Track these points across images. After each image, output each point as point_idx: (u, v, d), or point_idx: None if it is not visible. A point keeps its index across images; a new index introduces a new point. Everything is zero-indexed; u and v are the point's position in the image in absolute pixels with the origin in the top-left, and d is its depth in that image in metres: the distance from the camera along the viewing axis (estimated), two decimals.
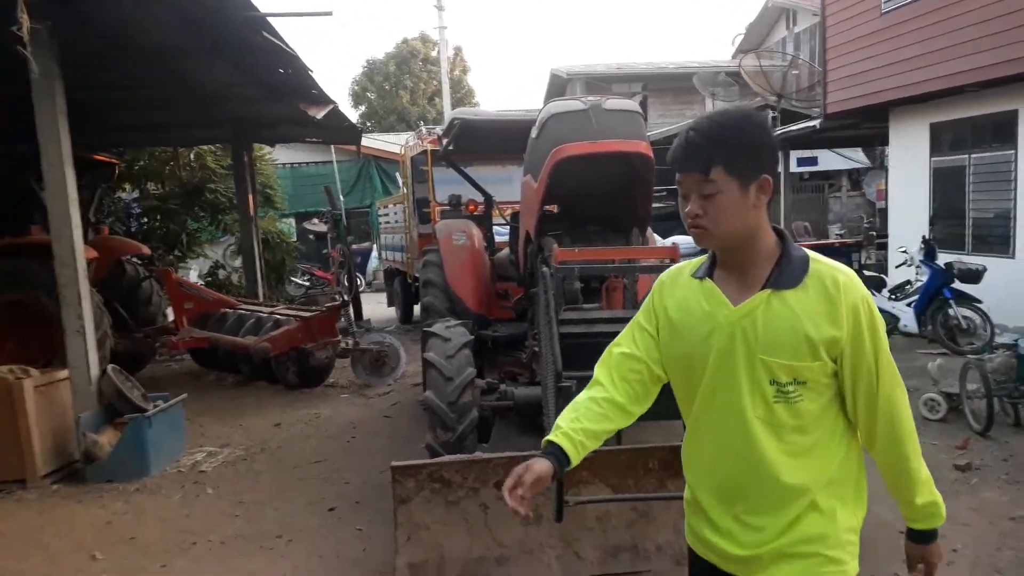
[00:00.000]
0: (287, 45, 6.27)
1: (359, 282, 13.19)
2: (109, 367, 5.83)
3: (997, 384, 5.79)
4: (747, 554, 1.71)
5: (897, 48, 10.80)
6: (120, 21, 5.97)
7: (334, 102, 8.02)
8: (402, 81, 36.00)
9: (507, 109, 8.34)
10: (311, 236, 18.01)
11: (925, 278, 8.81)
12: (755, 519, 1.71)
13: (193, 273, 14.43)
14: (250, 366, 8.58)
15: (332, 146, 16.97)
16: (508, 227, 6.30)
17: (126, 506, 5.10)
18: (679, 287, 1.82)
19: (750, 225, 1.67)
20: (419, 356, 7.67)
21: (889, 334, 4.37)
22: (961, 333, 8.48)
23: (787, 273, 1.67)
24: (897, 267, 9.88)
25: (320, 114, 7.88)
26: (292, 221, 18.17)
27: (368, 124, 31.61)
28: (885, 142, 12.67)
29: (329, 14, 6.24)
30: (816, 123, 13.26)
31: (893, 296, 9.27)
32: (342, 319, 8.38)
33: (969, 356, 6.58)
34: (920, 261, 8.96)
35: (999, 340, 6.46)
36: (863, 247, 12.40)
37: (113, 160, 9.41)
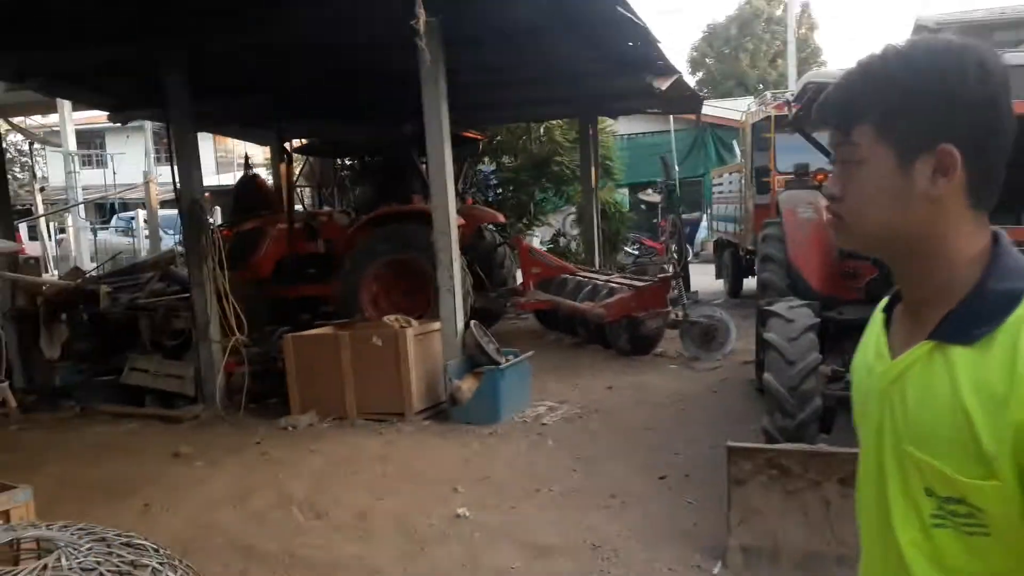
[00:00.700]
0: (638, 17, 6.41)
1: (688, 253, 13.19)
2: (472, 322, 6.60)
3: None
4: None
5: None
6: (492, 6, 6.50)
7: (678, 72, 8.07)
8: (743, 44, 34.61)
9: None
10: (643, 206, 18.40)
11: None
12: None
13: (536, 240, 15.58)
14: (586, 330, 9.08)
15: (671, 116, 17.02)
16: None
17: (481, 447, 5.76)
18: (876, 322, 1.17)
19: (915, 224, 1.01)
20: (749, 333, 7.51)
21: None
22: None
23: (969, 316, 0.97)
24: None
25: (665, 85, 7.98)
26: (626, 191, 18.65)
27: (705, 91, 31.03)
28: None
29: None
30: None
31: None
32: (673, 290, 8.48)
33: None
34: None
35: None
36: None
37: (479, 137, 10.54)
